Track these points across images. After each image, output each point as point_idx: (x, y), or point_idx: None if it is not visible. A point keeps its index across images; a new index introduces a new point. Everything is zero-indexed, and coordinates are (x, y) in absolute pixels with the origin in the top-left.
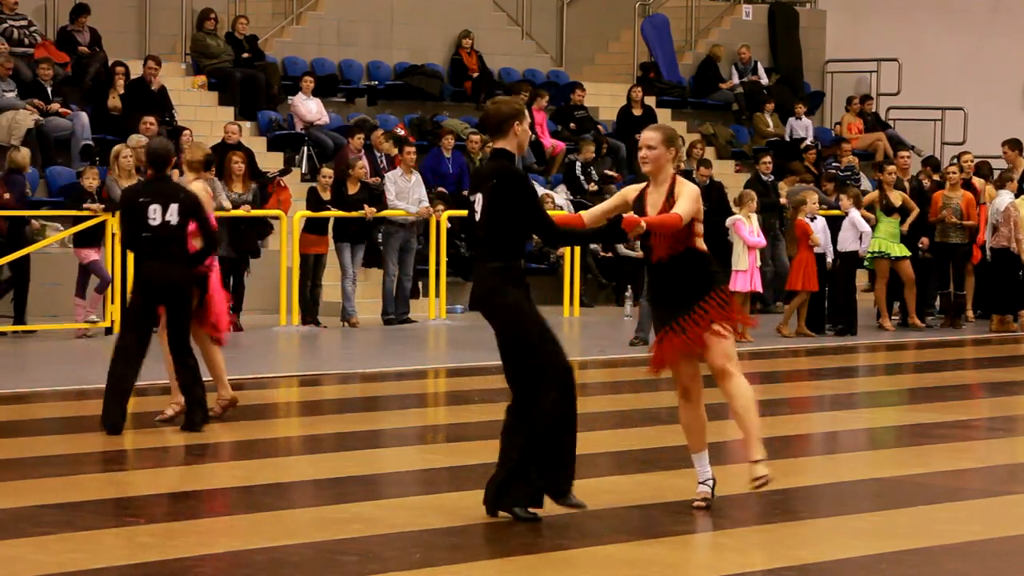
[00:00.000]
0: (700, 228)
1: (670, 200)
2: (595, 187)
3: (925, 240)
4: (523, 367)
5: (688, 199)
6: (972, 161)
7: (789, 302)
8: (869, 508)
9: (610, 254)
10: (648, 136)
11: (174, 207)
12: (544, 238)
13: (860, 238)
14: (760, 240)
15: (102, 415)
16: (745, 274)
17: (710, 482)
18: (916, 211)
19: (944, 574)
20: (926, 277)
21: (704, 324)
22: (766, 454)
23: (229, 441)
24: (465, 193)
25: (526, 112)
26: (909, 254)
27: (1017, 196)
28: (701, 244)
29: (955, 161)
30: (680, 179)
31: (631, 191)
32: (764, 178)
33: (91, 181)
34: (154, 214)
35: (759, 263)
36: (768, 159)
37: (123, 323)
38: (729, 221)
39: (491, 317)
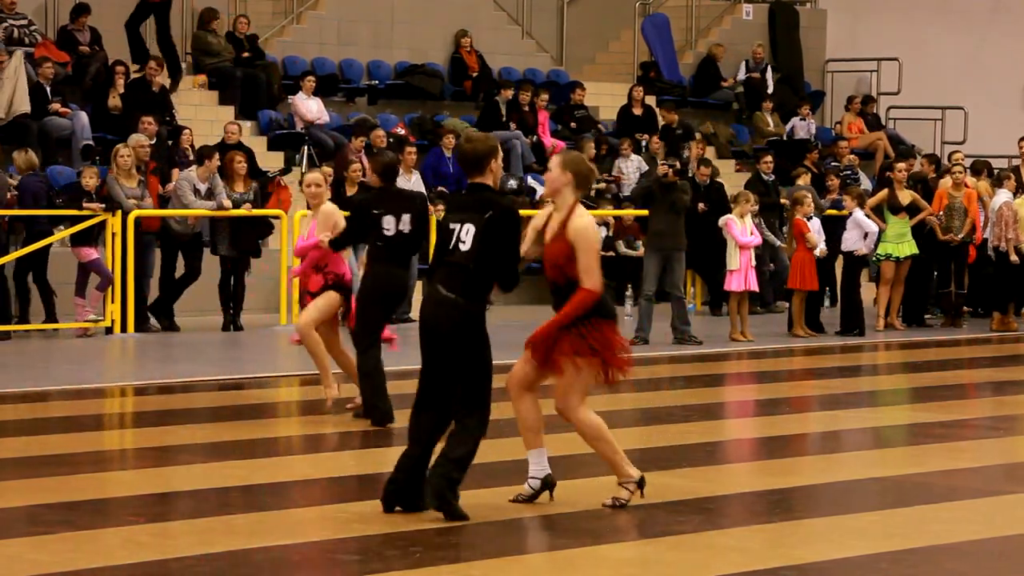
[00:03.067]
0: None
1: (563, 229)
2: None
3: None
4: (467, 398)
5: (586, 252)
6: (963, 160)
7: (789, 301)
8: (868, 508)
9: (611, 253)
10: (552, 160)
11: (407, 217)
12: (504, 281)
13: (864, 236)
14: (752, 239)
15: (373, 415)
16: (738, 274)
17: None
18: (928, 209)
19: (942, 573)
20: (926, 277)
21: (567, 345)
22: (633, 476)
23: (229, 441)
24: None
25: (499, 148)
26: (916, 251)
27: (1016, 196)
28: None
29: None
30: (579, 210)
31: (539, 221)
32: (765, 177)
33: (91, 180)
34: (388, 224)
35: (754, 262)
36: (769, 158)
37: (359, 333)
38: (721, 220)
39: (458, 344)
